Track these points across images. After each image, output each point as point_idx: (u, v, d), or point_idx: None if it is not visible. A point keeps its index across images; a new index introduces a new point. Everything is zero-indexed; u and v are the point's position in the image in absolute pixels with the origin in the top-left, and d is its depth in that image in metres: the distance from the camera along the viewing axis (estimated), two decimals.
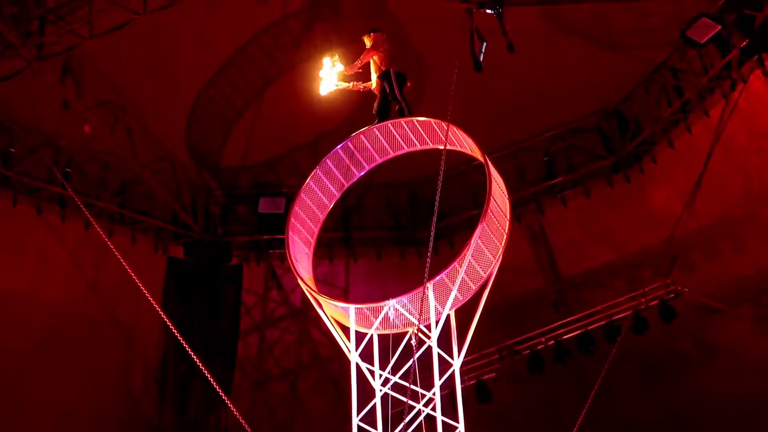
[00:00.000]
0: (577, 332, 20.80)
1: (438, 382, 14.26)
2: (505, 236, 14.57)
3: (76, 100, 19.03)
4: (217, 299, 21.47)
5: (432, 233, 14.14)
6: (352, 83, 15.67)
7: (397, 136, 15.66)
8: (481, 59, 14.89)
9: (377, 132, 15.60)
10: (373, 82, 15.53)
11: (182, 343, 17.17)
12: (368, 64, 15.56)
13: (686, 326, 20.67)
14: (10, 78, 18.19)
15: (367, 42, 15.57)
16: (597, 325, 20.73)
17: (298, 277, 15.13)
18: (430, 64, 19.61)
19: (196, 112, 20.85)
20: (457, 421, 14.21)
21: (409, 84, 15.52)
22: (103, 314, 20.68)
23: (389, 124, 15.51)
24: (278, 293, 22.63)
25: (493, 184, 14.46)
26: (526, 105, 19.71)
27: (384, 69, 15.33)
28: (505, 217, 14.73)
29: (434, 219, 14.41)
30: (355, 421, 14.61)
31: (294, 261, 15.36)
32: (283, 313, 22.70)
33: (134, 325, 20.98)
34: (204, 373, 17.00)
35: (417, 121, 15.22)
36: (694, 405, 20.95)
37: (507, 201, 14.86)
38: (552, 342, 20.75)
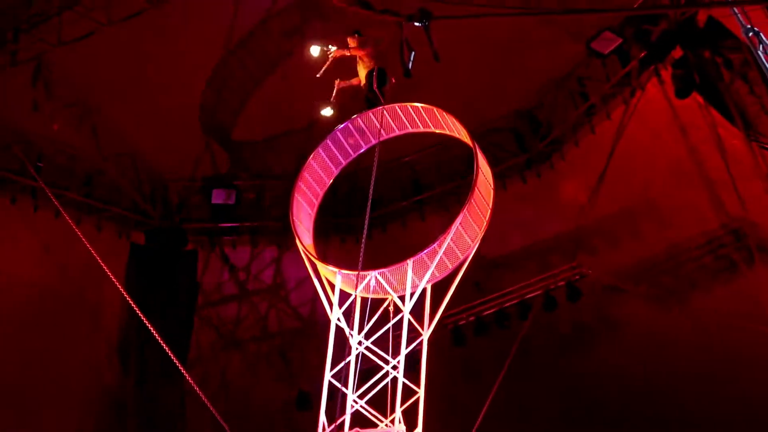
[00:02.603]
0: (495, 309, 21.17)
1: (404, 350, 14.27)
2: (485, 222, 14.52)
3: (46, 101, 19.04)
4: (174, 281, 21.33)
5: (366, 221, 14.46)
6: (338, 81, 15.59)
7: (394, 120, 15.65)
8: (410, 67, 15.15)
9: (372, 116, 15.55)
10: (361, 78, 15.56)
11: (142, 320, 17.31)
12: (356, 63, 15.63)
13: (590, 304, 21.15)
14: None
15: (351, 43, 15.59)
16: (512, 303, 21.12)
17: (296, 238, 15.07)
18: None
19: (159, 110, 20.63)
20: (418, 386, 14.27)
21: (393, 80, 15.43)
22: (71, 294, 20.70)
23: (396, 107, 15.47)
24: (230, 276, 22.70)
25: (480, 173, 14.44)
26: (450, 108, 19.91)
27: (369, 68, 15.42)
28: (488, 205, 14.69)
29: (368, 207, 14.76)
30: (328, 376, 14.56)
31: (295, 222, 15.26)
32: (235, 293, 22.83)
33: (99, 304, 21.03)
34: (162, 346, 17.23)
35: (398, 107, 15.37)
36: (597, 372, 21.31)
37: (491, 190, 14.82)
38: (473, 318, 21.11)
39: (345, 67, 15.64)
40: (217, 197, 21.44)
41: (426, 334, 14.54)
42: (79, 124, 20.29)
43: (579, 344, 21.94)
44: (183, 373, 17.39)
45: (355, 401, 14.37)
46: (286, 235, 22.27)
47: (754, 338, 19.08)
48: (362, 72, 15.64)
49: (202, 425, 18.17)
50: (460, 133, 15.21)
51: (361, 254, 14.28)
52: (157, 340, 17.17)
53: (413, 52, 15.08)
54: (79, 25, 18.06)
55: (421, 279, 14.40)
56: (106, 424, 21.24)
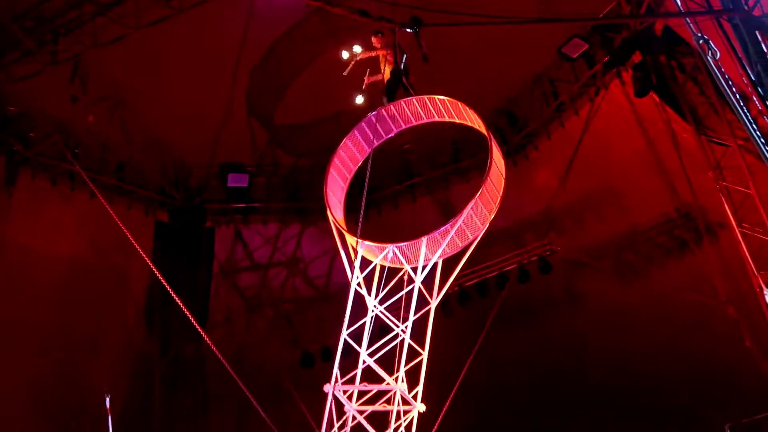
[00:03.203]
0: (477, 280, 21.22)
1: (412, 316, 14.30)
2: (495, 208, 14.53)
3: (82, 95, 19.00)
4: (194, 254, 21.41)
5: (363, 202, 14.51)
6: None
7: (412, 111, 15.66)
8: (402, 66, 15.20)
9: (403, 105, 15.53)
10: (385, 74, 15.57)
11: (166, 287, 17.42)
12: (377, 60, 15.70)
13: (559, 277, 21.23)
14: (29, 78, 18.21)
15: (376, 43, 15.61)
16: (491, 275, 21.17)
17: (327, 209, 15.07)
18: None
19: (181, 104, 20.55)
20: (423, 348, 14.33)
21: (413, 77, 15.52)
22: (104, 266, 20.75)
23: (413, 100, 15.41)
24: (243, 250, 22.70)
25: (493, 163, 14.36)
26: None
27: (393, 65, 15.42)
28: (498, 192, 14.66)
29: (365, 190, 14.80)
30: (344, 334, 14.63)
31: (328, 194, 15.26)
32: (247, 265, 22.82)
33: (128, 274, 21.09)
34: (183, 310, 17.34)
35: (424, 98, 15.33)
36: (564, 337, 21.42)
37: (503, 179, 14.74)
38: (457, 288, 21.16)
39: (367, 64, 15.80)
40: (233, 181, 21.45)
41: (434, 303, 14.57)
42: (111, 116, 20.35)
43: (549, 312, 22.01)
44: (202, 334, 17.56)
45: (365, 359, 14.52)
46: (291, 214, 22.70)
47: (702, 307, 19.17)
48: (386, 68, 15.66)
49: (219, 378, 18.23)
50: (478, 124, 15.14)
51: (359, 227, 14.42)
52: (179, 304, 17.34)
53: (405, 55, 15.21)
54: (112, 29, 17.97)
55: (433, 254, 14.43)
56: (134, 377, 21.30)
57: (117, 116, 20.47)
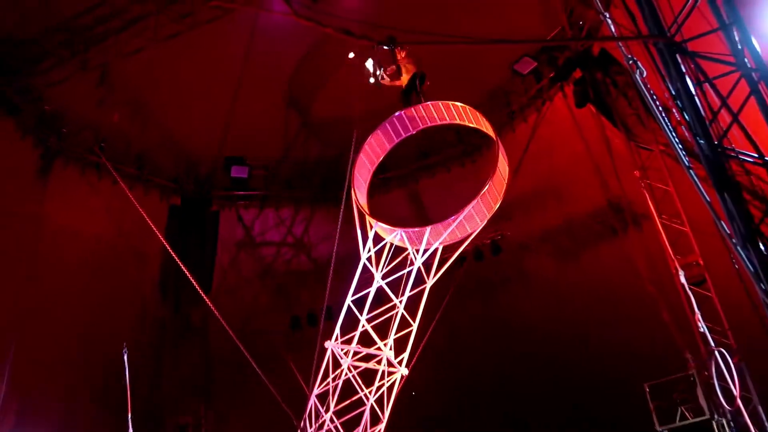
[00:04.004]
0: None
1: (408, 292, 14.60)
2: (494, 209, 14.67)
3: (108, 98, 19.06)
4: (201, 233, 21.34)
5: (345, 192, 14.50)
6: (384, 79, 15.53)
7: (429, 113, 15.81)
8: (380, 78, 15.21)
9: (422, 108, 15.69)
10: (404, 79, 15.54)
11: (177, 261, 17.41)
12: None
13: (508, 258, 21.25)
14: (62, 82, 18.29)
15: (397, 55, 15.54)
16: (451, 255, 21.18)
17: (353, 190, 15.26)
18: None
19: (192, 106, 20.60)
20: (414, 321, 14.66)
21: (427, 82, 15.61)
22: (124, 243, 20.65)
23: (429, 105, 15.57)
24: (243, 231, 22.59)
25: (497, 168, 14.42)
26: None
27: (412, 72, 15.48)
28: (498, 195, 14.71)
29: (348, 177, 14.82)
30: (349, 300, 15.01)
31: (356, 175, 15.42)
32: (247, 243, 22.74)
33: (146, 251, 20.98)
34: (191, 280, 17.33)
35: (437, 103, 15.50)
36: (512, 307, 21.61)
37: (504, 183, 14.79)
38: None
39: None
40: (235, 172, 21.38)
41: (429, 283, 14.77)
42: (133, 116, 20.25)
43: (499, 287, 22.10)
44: (206, 300, 17.54)
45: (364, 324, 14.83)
46: (285, 201, 22.60)
47: (627, 286, 19.28)
48: (404, 75, 15.65)
49: (221, 338, 18.20)
50: (488, 129, 15.17)
51: (341, 215, 14.37)
52: (188, 276, 17.34)
53: (381, 68, 15.22)
54: (134, 42, 18.04)
55: (435, 241, 14.61)
56: (149, 337, 21.22)
57: (137, 116, 20.36)
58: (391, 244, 15.15)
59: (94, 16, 17.76)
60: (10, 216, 18.80)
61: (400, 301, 14.71)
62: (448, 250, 15.24)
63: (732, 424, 16.60)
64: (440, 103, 15.57)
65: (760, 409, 16.50)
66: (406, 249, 14.96)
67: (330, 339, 15.15)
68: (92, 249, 20.07)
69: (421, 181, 22.07)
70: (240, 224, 22.43)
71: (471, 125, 15.64)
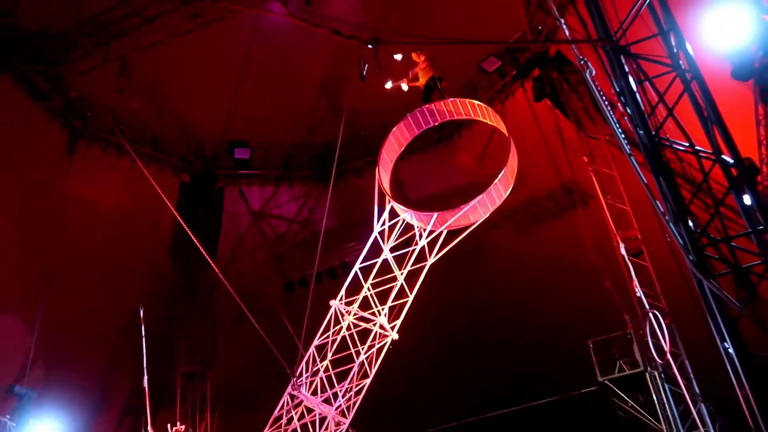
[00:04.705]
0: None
1: (408, 267, 14.64)
2: (498, 204, 14.56)
3: (128, 86, 18.80)
4: (208, 207, 21.22)
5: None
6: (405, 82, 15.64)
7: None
8: (365, 73, 15.08)
9: (442, 104, 15.49)
10: (422, 81, 15.57)
11: (187, 230, 17.32)
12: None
13: (476, 232, 21.14)
14: (88, 72, 18.22)
15: (417, 58, 15.58)
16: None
17: (378, 169, 15.17)
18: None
19: (202, 94, 20.39)
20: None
21: (444, 83, 15.60)
22: (140, 214, 20.50)
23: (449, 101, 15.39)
24: (245, 205, 22.42)
25: (505, 168, 14.22)
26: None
27: (430, 74, 15.52)
28: (503, 193, 14.55)
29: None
30: (357, 267, 14.97)
31: (383, 155, 15.31)
32: (248, 216, 22.55)
33: (159, 221, 20.85)
34: (199, 247, 17.27)
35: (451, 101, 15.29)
36: (478, 277, 21.42)
37: (512, 181, 14.63)
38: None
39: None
40: (238, 153, 21.29)
41: (430, 261, 14.70)
42: (149, 102, 20.09)
43: (468, 258, 21.96)
44: (211, 264, 17.50)
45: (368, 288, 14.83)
46: (284, 180, 22.44)
47: (575, 257, 19.30)
48: (422, 77, 15.63)
49: (225, 298, 18.18)
50: (501, 126, 15.01)
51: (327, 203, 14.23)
52: (196, 243, 17.27)
53: (366, 65, 15.08)
54: (150, 37, 17.88)
55: (441, 225, 14.58)
56: (163, 298, 21.18)
57: (153, 102, 20.20)
58: (401, 222, 15.02)
59: (116, 14, 17.61)
60: (41, 189, 18.77)
61: (401, 273, 14.65)
62: (451, 233, 15.17)
63: (662, 375, 16.82)
64: (459, 101, 15.39)
65: (687, 362, 16.73)
66: (412, 229, 14.84)
67: (335, 299, 15.13)
68: (112, 219, 19.96)
69: (401, 162, 21.75)
70: (242, 199, 22.25)
71: (486, 121, 15.43)
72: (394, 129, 15.43)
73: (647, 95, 10.88)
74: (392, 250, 14.90)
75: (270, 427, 15.43)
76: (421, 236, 14.69)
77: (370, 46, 14.46)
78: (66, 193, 19.11)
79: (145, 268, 20.89)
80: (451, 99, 15.37)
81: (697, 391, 16.50)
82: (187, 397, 21.15)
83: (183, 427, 20.47)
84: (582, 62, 13.36)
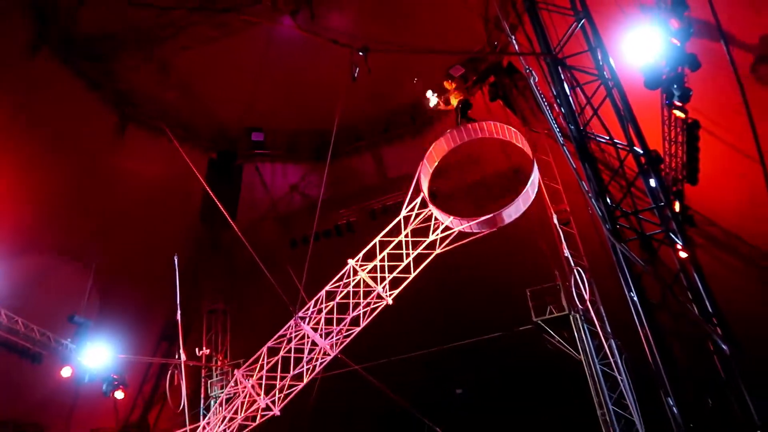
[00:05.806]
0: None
1: (417, 250, 14.78)
2: (511, 219, 14.78)
3: (167, 81, 18.70)
4: (230, 179, 20.94)
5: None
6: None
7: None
8: (356, 75, 14.85)
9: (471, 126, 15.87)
10: (454, 103, 15.92)
11: (214, 199, 17.25)
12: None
13: (440, 203, 20.39)
14: (133, 69, 18.09)
15: (448, 86, 15.78)
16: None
17: (418, 175, 15.55)
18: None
19: (226, 87, 19.87)
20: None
21: (472, 106, 15.90)
22: (176, 184, 20.19)
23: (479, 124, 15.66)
24: (260, 178, 22.07)
25: (527, 187, 14.15)
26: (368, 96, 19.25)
27: (461, 98, 15.93)
28: (520, 209, 14.55)
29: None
30: (378, 237, 15.13)
31: (424, 164, 15.55)
32: (262, 187, 22.14)
33: (190, 190, 20.51)
34: (223, 211, 17.19)
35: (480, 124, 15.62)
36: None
37: (530, 201, 14.61)
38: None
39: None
40: (254, 137, 21.03)
41: (437, 251, 14.93)
42: (183, 95, 19.78)
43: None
44: (233, 225, 17.43)
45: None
46: (290, 160, 22.00)
47: (520, 226, 18.59)
48: (454, 100, 15.76)
49: (242, 252, 18.11)
50: (526, 148, 14.94)
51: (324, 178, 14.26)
52: (220, 208, 17.21)
53: (357, 68, 14.86)
54: (183, 41, 17.77)
55: (455, 227, 15.04)
56: (191, 251, 20.99)
57: (186, 94, 19.85)
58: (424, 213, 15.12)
59: (156, 23, 17.38)
60: (97, 162, 18.63)
61: (408, 254, 14.70)
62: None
63: (582, 317, 17.15)
64: (494, 124, 15.45)
65: (602, 308, 17.04)
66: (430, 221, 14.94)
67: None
68: (153, 187, 19.72)
69: (383, 148, 21.58)
70: (257, 174, 21.90)
71: (513, 142, 15.29)
72: (434, 145, 15.43)
73: (578, 98, 10.99)
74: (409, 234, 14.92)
75: (274, 341, 15.62)
76: (436, 229, 14.66)
77: (360, 53, 14.35)
78: (117, 166, 18.90)
79: (179, 226, 20.71)
80: (494, 122, 15.36)
81: (609, 330, 16.82)
82: (211, 328, 21.36)
83: (207, 350, 20.67)
84: (528, 71, 13.43)
